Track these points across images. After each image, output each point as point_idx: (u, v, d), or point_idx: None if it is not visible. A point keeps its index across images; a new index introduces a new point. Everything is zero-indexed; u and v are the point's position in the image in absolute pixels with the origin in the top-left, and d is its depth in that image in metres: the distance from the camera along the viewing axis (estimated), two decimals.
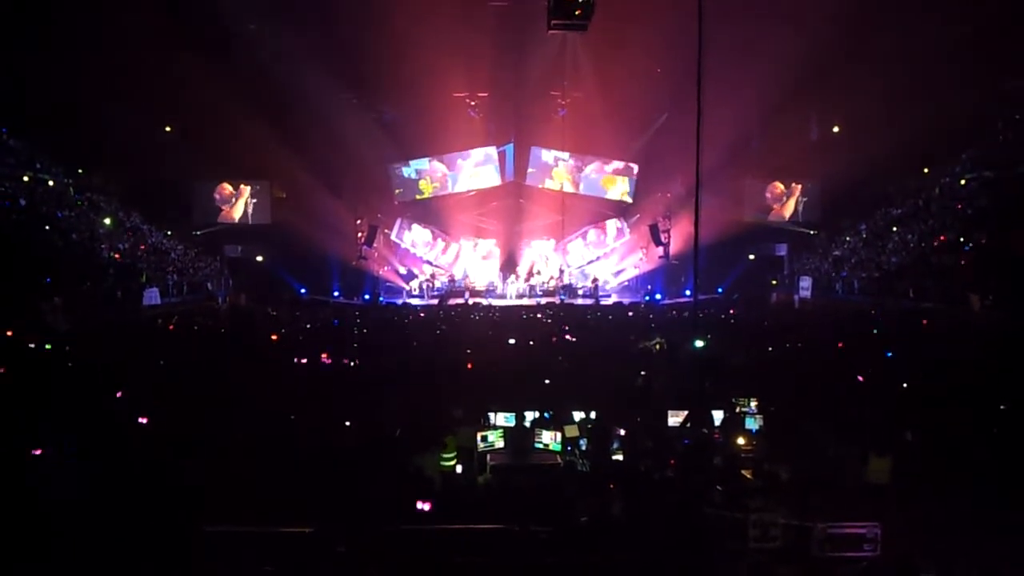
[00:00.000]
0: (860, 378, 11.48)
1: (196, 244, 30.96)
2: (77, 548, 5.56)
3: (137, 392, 10.16)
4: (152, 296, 24.19)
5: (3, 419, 8.42)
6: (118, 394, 10.08)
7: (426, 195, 32.82)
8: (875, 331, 17.13)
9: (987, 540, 5.79)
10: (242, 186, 32.72)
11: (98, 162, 27.98)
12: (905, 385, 10.86)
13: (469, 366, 12.99)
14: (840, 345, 15.14)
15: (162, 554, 5.65)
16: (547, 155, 32.46)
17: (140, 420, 8.96)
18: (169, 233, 29.92)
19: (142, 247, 27.65)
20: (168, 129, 29.16)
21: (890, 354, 13.63)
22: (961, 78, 23.93)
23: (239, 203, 32.81)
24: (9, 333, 14.93)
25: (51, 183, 25.67)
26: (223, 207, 32.72)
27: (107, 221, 26.85)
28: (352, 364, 13.78)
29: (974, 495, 6.60)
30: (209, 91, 25.11)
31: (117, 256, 25.83)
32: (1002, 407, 9.22)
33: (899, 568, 5.57)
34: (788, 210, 33.15)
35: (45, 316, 17.91)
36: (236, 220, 32.70)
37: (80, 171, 27.26)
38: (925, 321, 18.86)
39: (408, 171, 32.52)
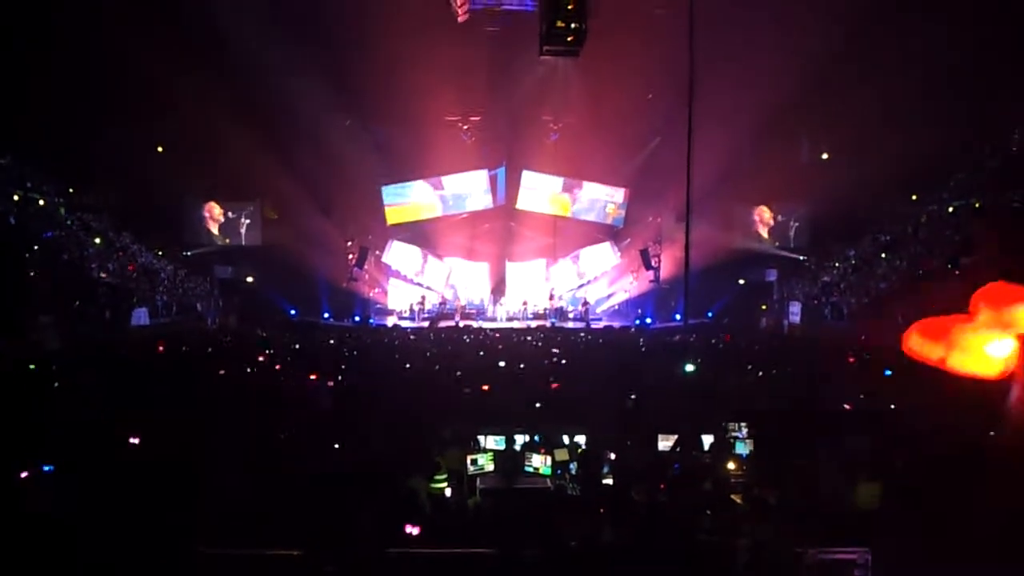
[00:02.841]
0: (847, 405, 11.51)
1: (186, 264, 30.86)
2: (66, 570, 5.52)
3: (126, 412, 10.09)
4: (141, 316, 24.11)
5: None
6: (106, 415, 10.01)
7: (417, 217, 32.87)
8: (866, 356, 17.18)
9: (978, 567, 5.79)
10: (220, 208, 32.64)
11: (89, 181, 27.94)
12: (893, 409, 10.90)
13: (474, 389, 12.96)
14: (828, 370, 15.18)
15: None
16: (539, 179, 32.59)
17: (131, 440, 8.89)
18: (159, 253, 29.84)
19: (131, 267, 27.57)
20: (160, 149, 29.16)
21: (888, 373, 13.72)
22: (949, 106, 24.19)
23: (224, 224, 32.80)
24: None
25: (41, 202, 25.62)
26: (213, 227, 32.68)
27: (97, 240, 26.77)
28: (341, 386, 13.72)
29: (965, 523, 6.59)
30: (201, 111, 25.18)
31: (106, 276, 25.74)
32: (991, 433, 9.26)
33: None
34: (776, 235, 33.34)
35: (34, 335, 17.84)
36: (227, 241, 32.66)
37: (71, 190, 27.20)
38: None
39: (399, 193, 32.58)
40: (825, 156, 31.30)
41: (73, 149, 25.46)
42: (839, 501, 7.54)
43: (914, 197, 28.68)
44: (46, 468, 7.40)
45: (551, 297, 32.97)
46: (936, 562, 5.85)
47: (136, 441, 8.93)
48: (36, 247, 23.59)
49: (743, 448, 9.44)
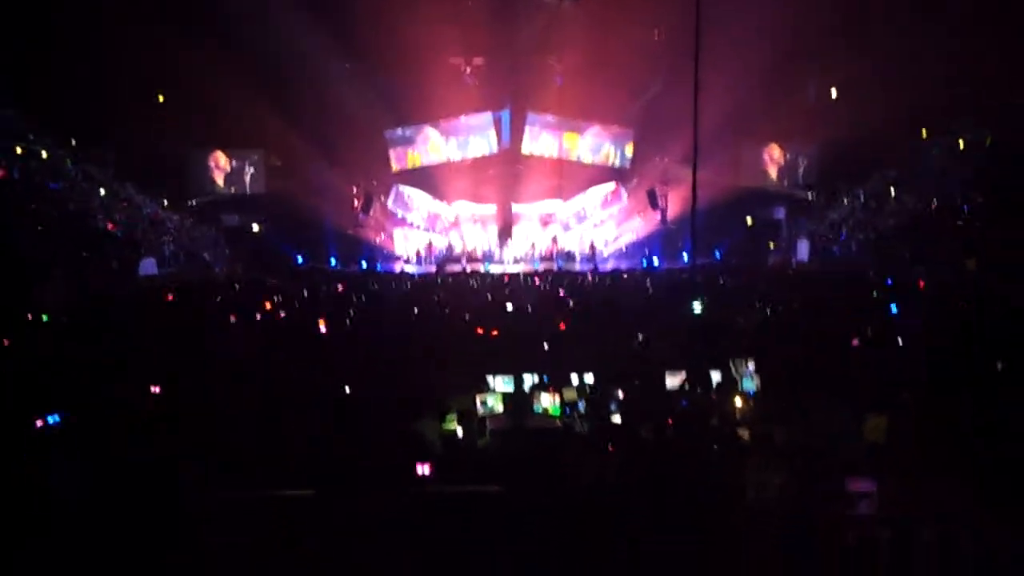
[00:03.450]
0: (855, 341, 11.53)
1: (192, 214, 30.84)
2: (77, 516, 5.61)
3: (142, 362, 10.19)
4: (149, 266, 24.19)
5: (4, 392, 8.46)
6: (122, 365, 10.11)
7: (422, 163, 32.70)
8: (873, 293, 17.17)
9: (984, 500, 5.84)
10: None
11: (92, 132, 27.80)
12: (901, 344, 10.93)
13: (479, 331, 13.03)
14: (837, 307, 15.19)
15: (162, 521, 5.70)
16: (544, 121, 32.28)
17: (153, 389, 8.98)
18: (165, 203, 29.79)
19: (137, 217, 27.57)
20: (161, 99, 28.93)
21: (894, 309, 13.75)
22: (960, 44, 23.78)
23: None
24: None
25: (45, 154, 25.52)
26: (219, 177, 32.57)
27: (102, 192, 26.73)
28: (350, 329, 13.83)
29: (971, 456, 6.65)
30: (203, 60, 24.93)
31: (112, 226, 25.75)
32: (999, 367, 9.28)
33: (897, 525, 5.63)
34: (785, 174, 33.07)
35: (42, 288, 17.93)
36: (232, 190, 32.58)
37: (74, 142, 27.07)
38: (922, 283, 18.91)
39: (404, 138, 32.37)
40: (834, 93, 30.86)
41: (76, 100, 25.30)
42: (846, 435, 7.60)
43: (924, 133, 28.36)
44: (51, 419, 7.48)
45: (553, 241, 32.90)
46: (941, 493, 5.91)
47: (157, 390, 9.03)
48: (41, 199, 23.59)
49: (750, 384, 9.50)
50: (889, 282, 19.18)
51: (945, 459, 6.43)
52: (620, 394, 9.17)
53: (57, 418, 7.51)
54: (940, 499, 5.86)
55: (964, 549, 5.31)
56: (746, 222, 31.84)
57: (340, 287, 21.53)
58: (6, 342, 11.37)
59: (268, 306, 16.78)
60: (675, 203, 30.79)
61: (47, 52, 23.16)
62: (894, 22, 24.07)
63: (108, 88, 25.03)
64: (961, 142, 26.36)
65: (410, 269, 30.76)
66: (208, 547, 5.35)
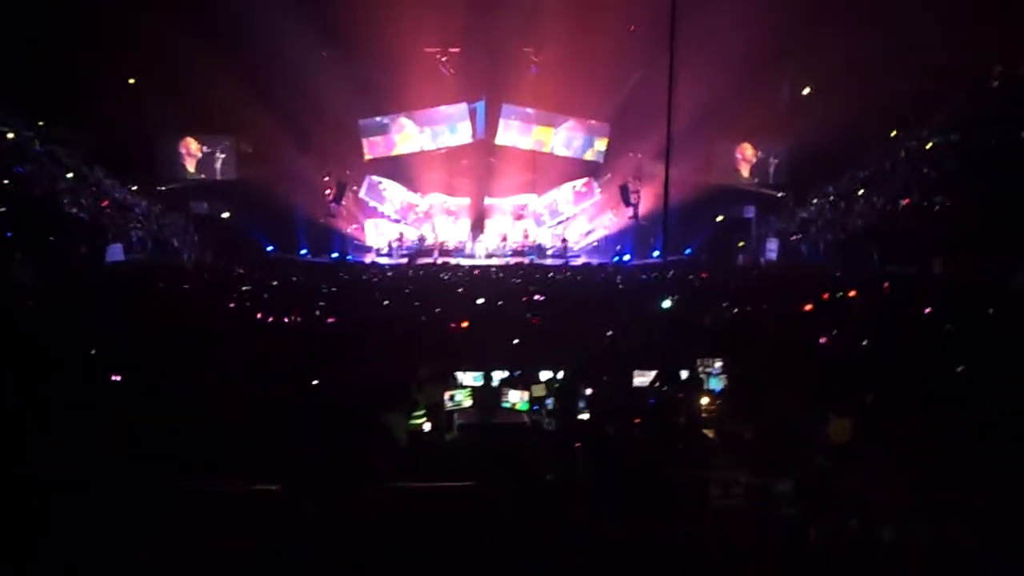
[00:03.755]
0: (823, 339, 11.65)
1: (161, 200, 30.41)
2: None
3: (107, 349, 10.06)
4: (115, 252, 23.87)
5: None
6: (91, 351, 9.98)
7: (395, 152, 32.53)
8: (839, 294, 17.34)
9: (947, 500, 5.93)
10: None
11: (60, 115, 27.33)
12: (866, 345, 11.06)
13: (455, 325, 13.01)
14: (804, 307, 15.33)
15: (130, 510, 5.64)
16: (518, 113, 32.25)
17: (113, 378, 8.88)
18: (134, 188, 29.36)
19: (105, 202, 27.15)
20: (132, 81, 28.49)
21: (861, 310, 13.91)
22: (930, 43, 24.06)
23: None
24: None
25: (11, 135, 25.04)
26: (189, 163, 32.16)
27: (69, 175, 26.30)
28: (319, 323, 13.75)
29: (934, 456, 6.74)
30: (175, 43, 24.61)
31: (79, 211, 25.36)
32: (959, 369, 9.41)
33: (859, 526, 5.71)
34: (756, 172, 33.27)
35: (10, 271, 17.65)
36: (202, 176, 32.19)
37: (40, 124, 26.59)
38: (887, 284, 19.13)
39: (377, 127, 32.17)
40: (806, 92, 31.09)
41: (45, 82, 24.85)
42: (810, 436, 7.68)
43: (893, 134, 28.67)
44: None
45: (525, 235, 32.92)
46: (904, 495, 6.00)
47: (118, 379, 8.93)
48: (6, 181, 23.16)
49: (716, 384, 9.58)
50: (856, 283, 19.39)
51: (909, 461, 6.52)
52: (588, 391, 9.21)
53: None
54: (903, 500, 5.94)
55: (926, 551, 5.40)
56: (716, 220, 32.04)
57: (310, 277, 21.39)
58: None
59: (235, 295, 16.63)
60: (647, 199, 30.90)
61: (16, 33, 22.72)
62: (866, 22, 24.29)
63: (78, 70, 24.59)
64: (929, 143, 26.68)
65: (382, 260, 30.62)
66: (170, 541, 5.31)
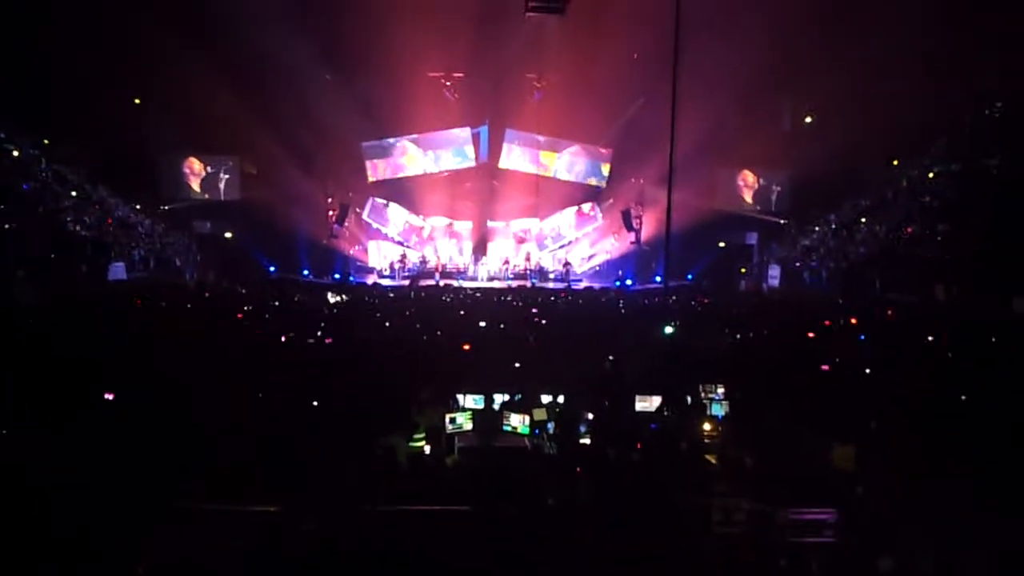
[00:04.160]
0: (825, 367, 11.62)
1: (164, 219, 30.48)
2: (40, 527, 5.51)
3: (105, 367, 10.03)
4: (118, 271, 23.91)
5: None
6: (90, 370, 9.94)
7: (399, 175, 32.65)
8: (841, 321, 17.33)
9: (949, 529, 5.89)
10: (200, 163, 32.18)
11: (65, 134, 27.45)
12: (869, 373, 11.03)
13: (457, 347, 12.98)
14: (807, 334, 15.31)
15: (128, 529, 5.60)
16: (522, 138, 32.40)
17: (106, 396, 8.85)
18: (137, 207, 29.42)
19: (108, 221, 27.20)
20: (137, 101, 28.64)
21: (863, 337, 13.85)
22: (931, 72, 24.18)
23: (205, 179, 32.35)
24: None
25: (16, 153, 25.13)
26: (194, 183, 32.25)
27: (73, 193, 26.37)
28: (320, 343, 13.71)
29: (938, 485, 6.70)
30: (180, 64, 24.76)
31: (82, 229, 25.41)
32: (963, 397, 9.38)
33: (858, 554, 5.66)
34: (758, 199, 33.34)
35: (13, 288, 17.67)
36: (206, 196, 32.27)
37: (46, 142, 26.69)
38: (890, 311, 19.13)
39: (381, 150, 32.31)
40: (808, 120, 31.23)
41: (51, 101, 24.97)
42: (814, 463, 7.64)
43: (895, 162, 28.76)
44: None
45: (527, 258, 32.95)
46: (907, 522, 5.96)
47: (111, 397, 8.89)
48: (11, 200, 23.23)
49: (719, 409, 9.54)
50: (859, 310, 19.40)
51: (912, 488, 6.48)
52: (589, 415, 9.17)
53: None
54: (905, 528, 5.90)
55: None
56: (718, 245, 32.07)
57: (310, 298, 21.38)
58: None
59: (239, 316, 16.63)
60: (649, 224, 30.99)
61: (23, 52, 22.86)
62: (868, 50, 24.43)
63: (84, 90, 24.73)
64: (931, 172, 26.77)
65: (384, 282, 30.62)
66: (167, 556, 5.27)
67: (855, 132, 25.88)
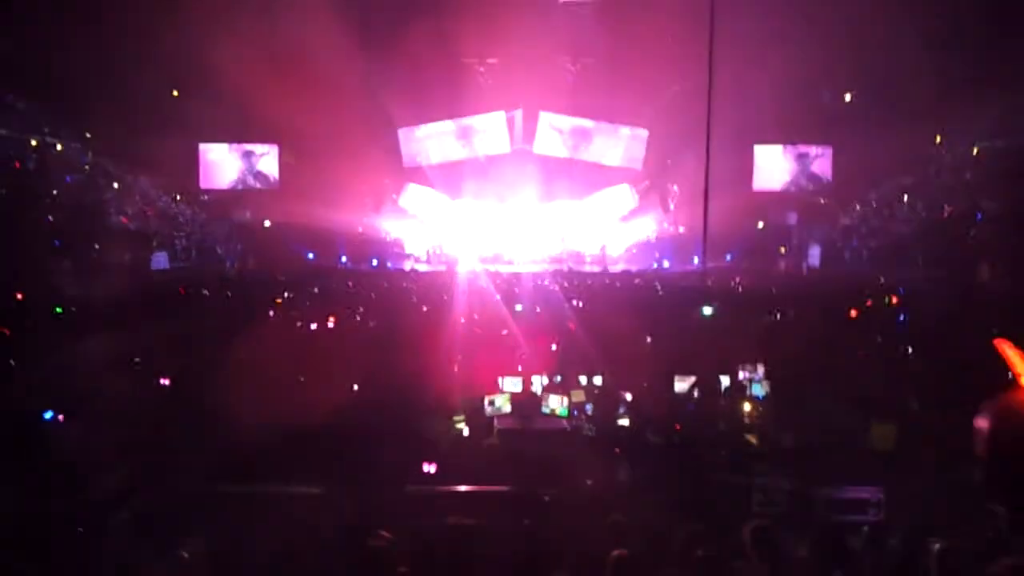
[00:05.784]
0: (866, 345, 11.51)
1: (204, 208, 30.85)
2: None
3: (153, 355, 10.24)
4: (160, 261, 24.27)
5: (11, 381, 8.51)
6: (135, 358, 10.15)
7: (434, 160, 32.72)
8: (884, 300, 17.10)
9: (991, 507, 5.83)
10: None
11: (107, 126, 27.86)
12: (911, 352, 10.89)
13: (494, 331, 13.05)
14: (848, 314, 15.14)
15: (172, 512, 5.73)
16: (556, 121, 32.26)
17: (163, 382, 9.04)
18: (177, 197, 29.79)
19: (150, 211, 27.60)
20: (175, 93, 28.96)
21: (903, 317, 13.67)
22: (974, 47, 23.65)
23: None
24: (20, 296, 15.03)
25: (59, 147, 25.57)
26: (232, 171, 32.56)
27: (115, 185, 26.79)
28: (360, 327, 13.86)
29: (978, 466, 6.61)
30: (218, 53, 24.96)
31: (125, 220, 25.82)
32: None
33: (903, 533, 5.62)
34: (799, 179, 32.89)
35: (57, 280, 18.01)
36: (247, 184, 32.59)
37: (88, 135, 27.12)
38: (932, 290, 18.83)
39: (416, 136, 32.39)
40: (848, 98, 30.70)
41: (91, 93, 25.35)
42: (854, 442, 7.58)
43: (938, 139, 28.19)
44: (46, 415, 7.48)
45: (563, 241, 32.83)
46: (948, 499, 5.91)
47: (167, 382, 9.08)
48: (55, 192, 23.68)
49: (759, 390, 9.48)
50: (901, 289, 19.10)
51: (953, 468, 6.41)
52: (628, 397, 9.18)
53: (51, 414, 7.50)
54: (947, 508, 5.85)
55: (969, 558, 5.29)
56: (757, 226, 31.70)
57: (350, 284, 21.56)
58: (7, 332, 11.38)
59: (279, 302, 16.83)
60: (686, 205, 30.71)
61: (64, 46, 23.20)
62: (910, 25, 23.90)
63: (123, 81, 25.07)
64: (975, 148, 26.19)
65: (421, 268, 30.75)
66: (216, 541, 5.38)
67: (897, 108, 25.43)
